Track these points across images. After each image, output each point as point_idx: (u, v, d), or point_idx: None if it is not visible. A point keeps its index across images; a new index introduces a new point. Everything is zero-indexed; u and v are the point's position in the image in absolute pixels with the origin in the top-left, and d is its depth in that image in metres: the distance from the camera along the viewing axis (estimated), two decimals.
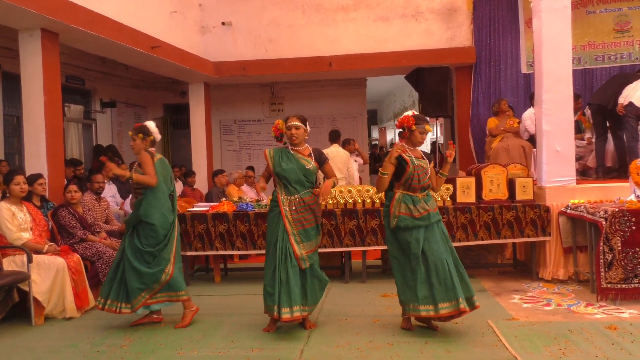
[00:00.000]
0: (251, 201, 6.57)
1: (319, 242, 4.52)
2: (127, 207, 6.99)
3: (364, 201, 6.04)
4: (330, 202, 6.03)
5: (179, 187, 8.90)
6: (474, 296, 4.17)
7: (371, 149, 14.85)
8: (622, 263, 4.89)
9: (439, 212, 4.32)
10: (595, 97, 7.42)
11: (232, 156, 11.54)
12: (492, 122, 7.90)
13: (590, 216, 5.21)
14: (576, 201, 5.73)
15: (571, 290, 5.52)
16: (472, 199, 6.00)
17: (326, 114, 11.35)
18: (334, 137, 7.89)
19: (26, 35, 5.78)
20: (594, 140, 7.55)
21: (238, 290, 5.97)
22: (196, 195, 8.32)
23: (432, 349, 3.90)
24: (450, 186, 5.96)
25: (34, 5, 5.28)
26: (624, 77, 7.13)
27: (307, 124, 4.48)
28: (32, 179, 5.33)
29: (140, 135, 4.63)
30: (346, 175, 7.61)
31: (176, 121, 11.88)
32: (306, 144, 4.51)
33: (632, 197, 5.39)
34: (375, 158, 14.32)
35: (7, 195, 5.04)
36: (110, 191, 7.31)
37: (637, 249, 4.89)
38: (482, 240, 5.91)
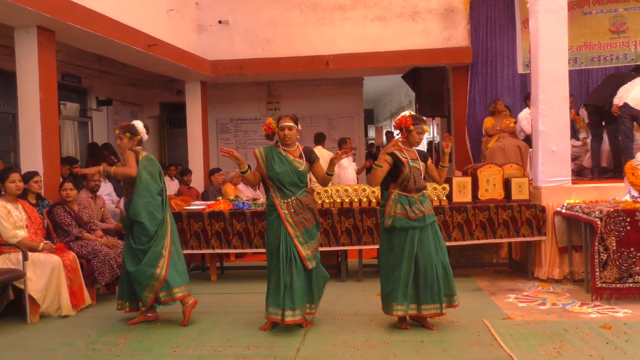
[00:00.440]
0: (247, 200, 6.57)
1: (319, 240, 4.53)
2: (123, 205, 6.97)
3: (360, 200, 6.05)
4: (326, 201, 6.04)
5: (175, 185, 8.89)
6: (454, 295, 4.27)
7: (368, 148, 14.85)
8: (617, 263, 4.91)
9: (434, 213, 4.35)
10: (592, 97, 7.44)
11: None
12: (488, 122, 7.92)
13: (585, 216, 5.23)
14: (571, 201, 5.75)
15: (566, 289, 5.54)
16: (468, 198, 6.01)
17: (323, 113, 11.35)
18: (319, 139, 8.50)
19: (22, 32, 5.75)
20: (588, 140, 7.58)
21: (234, 289, 5.97)
22: (192, 193, 8.31)
23: (427, 347, 3.91)
24: (447, 185, 5.98)
25: (30, 3, 5.26)
26: (620, 76, 7.15)
27: (299, 123, 4.44)
28: (28, 177, 5.31)
29: (128, 134, 4.64)
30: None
31: (172, 120, 11.85)
32: (297, 144, 4.47)
33: (627, 197, 5.42)
34: (373, 157, 14.32)
35: (2, 192, 5.02)
36: (106, 189, 7.30)
37: (632, 249, 4.91)
38: (478, 239, 5.93)
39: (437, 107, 9.02)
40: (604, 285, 4.94)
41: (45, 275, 4.82)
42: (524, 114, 7.49)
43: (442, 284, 4.20)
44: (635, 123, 6.71)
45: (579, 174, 7.45)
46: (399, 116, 4.36)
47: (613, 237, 4.92)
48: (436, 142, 11.81)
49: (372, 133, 19.85)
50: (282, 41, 9.42)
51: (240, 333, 4.33)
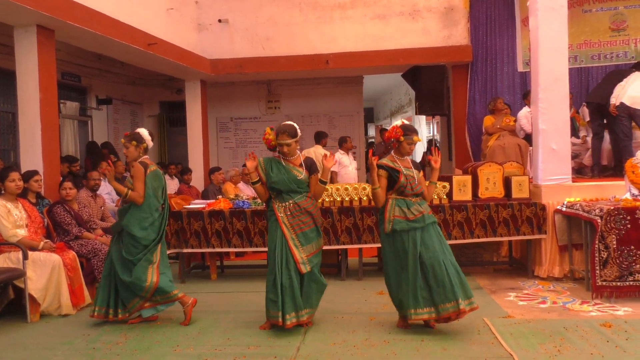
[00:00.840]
0: (247, 199, 6.57)
1: (321, 245, 4.46)
2: (119, 209, 6.97)
3: (360, 199, 6.05)
4: (326, 199, 6.03)
5: (175, 184, 8.90)
6: (472, 297, 4.15)
7: (368, 147, 14.84)
8: (617, 261, 4.91)
9: (433, 215, 4.33)
10: (593, 95, 7.44)
11: (228, 154, 11.52)
12: (488, 121, 7.91)
13: (585, 214, 5.23)
14: (572, 199, 5.75)
15: (566, 288, 5.54)
16: (468, 197, 6.01)
17: (323, 111, 11.35)
18: (319, 138, 8.55)
19: (22, 31, 5.75)
20: (588, 138, 7.58)
21: (234, 288, 5.97)
22: (192, 192, 8.31)
23: (428, 346, 3.91)
24: (447, 184, 5.98)
25: (29, 2, 5.25)
26: (621, 73, 7.13)
27: (298, 133, 4.38)
28: (28, 176, 5.31)
29: (134, 142, 4.61)
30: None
31: (172, 118, 11.85)
32: (298, 153, 4.46)
33: (628, 196, 5.42)
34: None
35: (2, 192, 5.02)
36: (106, 188, 7.30)
37: (632, 247, 4.91)
38: (478, 238, 5.93)
39: (437, 106, 9.01)
40: (604, 283, 4.94)
41: (46, 274, 4.81)
42: (524, 113, 7.48)
43: (456, 282, 4.06)
44: (633, 122, 6.72)
45: (579, 172, 7.45)
46: (390, 127, 4.36)
47: (613, 235, 4.91)
48: (437, 140, 11.81)
49: (372, 131, 19.83)
50: (282, 40, 9.42)
51: (241, 332, 4.33)
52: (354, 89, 11.36)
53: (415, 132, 4.33)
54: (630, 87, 6.60)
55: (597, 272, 4.94)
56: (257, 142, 11.29)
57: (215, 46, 9.45)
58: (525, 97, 7.63)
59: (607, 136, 7.28)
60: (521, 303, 5.04)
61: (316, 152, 7.96)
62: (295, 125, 4.41)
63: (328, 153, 4.49)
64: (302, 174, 4.34)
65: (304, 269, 4.26)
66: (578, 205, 5.47)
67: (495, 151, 7.43)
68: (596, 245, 4.95)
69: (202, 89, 9.72)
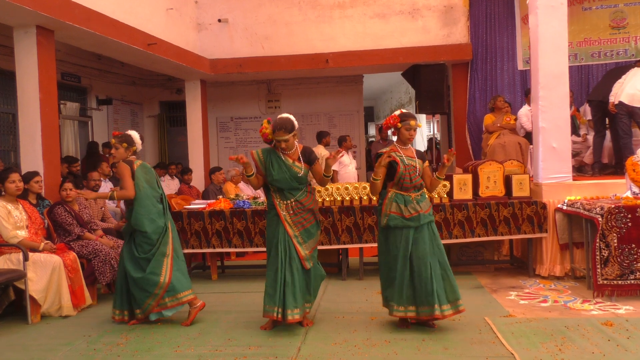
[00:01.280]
0: (248, 198, 6.57)
1: (319, 238, 4.51)
2: (126, 213, 6.96)
3: (360, 198, 6.04)
4: (327, 199, 6.03)
5: (175, 184, 8.89)
6: (459, 300, 4.18)
7: (368, 145, 14.83)
8: (618, 259, 4.91)
9: (431, 213, 4.29)
10: (594, 93, 7.43)
11: (229, 153, 11.52)
12: (488, 119, 7.91)
13: (586, 213, 5.22)
14: (572, 198, 5.74)
15: (567, 286, 5.53)
16: (468, 195, 6.00)
17: (323, 110, 11.34)
18: (320, 138, 8.65)
19: (21, 32, 5.75)
20: (589, 136, 7.57)
21: (235, 288, 5.97)
22: (193, 192, 8.30)
23: (429, 345, 3.90)
24: (447, 183, 5.97)
25: (29, 3, 5.25)
26: (621, 70, 7.12)
27: (295, 126, 4.30)
28: (28, 177, 5.31)
29: (125, 144, 4.61)
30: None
31: (172, 118, 11.85)
32: (296, 145, 4.39)
33: (628, 194, 5.41)
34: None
35: (3, 193, 5.01)
36: (106, 188, 7.28)
37: (633, 246, 4.90)
38: (479, 237, 5.92)
39: (437, 105, 9.00)
40: (605, 282, 4.94)
41: (46, 275, 4.81)
42: (524, 111, 7.47)
43: (439, 285, 4.10)
44: (633, 120, 6.71)
45: (579, 170, 7.44)
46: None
47: (614, 234, 4.91)
48: (437, 139, 11.80)
49: (372, 130, 19.82)
50: (282, 39, 9.42)
51: (241, 332, 4.32)
52: (354, 88, 11.35)
53: (412, 117, 4.29)
54: (627, 85, 6.59)
55: (598, 270, 4.93)
56: (257, 141, 11.29)
57: (214, 46, 9.45)
58: (527, 95, 7.62)
59: (608, 134, 7.27)
60: (522, 302, 5.03)
61: (318, 152, 7.97)
62: (291, 118, 4.31)
63: (333, 153, 4.43)
64: (302, 169, 4.32)
65: (308, 265, 4.30)
66: (579, 203, 5.46)
67: (495, 150, 7.43)
68: (597, 244, 4.94)
69: (202, 89, 9.72)
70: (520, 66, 8.97)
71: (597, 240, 4.94)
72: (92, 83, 9.97)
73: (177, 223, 5.96)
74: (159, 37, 7.69)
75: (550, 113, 6.01)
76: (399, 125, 4.24)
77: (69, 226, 5.36)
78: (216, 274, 6.47)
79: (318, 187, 5.78)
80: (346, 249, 6.17)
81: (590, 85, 8.38)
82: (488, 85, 9.19)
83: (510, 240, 6.48)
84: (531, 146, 6.83)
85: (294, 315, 4.20)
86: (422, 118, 13.72)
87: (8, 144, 8.00)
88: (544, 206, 5.89)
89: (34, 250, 4.90)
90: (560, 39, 6.01)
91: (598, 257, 4.93)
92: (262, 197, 6.66)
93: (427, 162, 4.39)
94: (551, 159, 6.03)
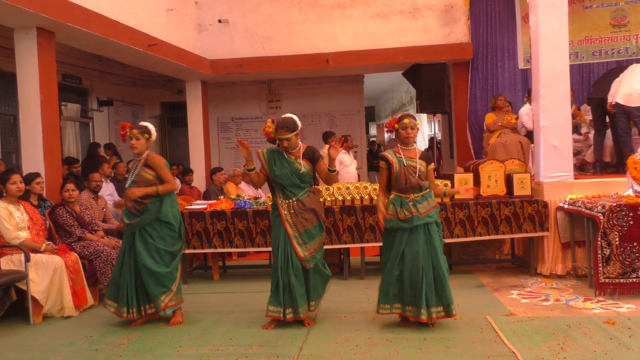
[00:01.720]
0: (249, 199, 6.57)
1: (323, 239, 4.51)
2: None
3: (362, 198, 6.04)
4: (328, 199, 6.03)
5: (176, 185, 8.89)
6: (451, 304, 4.18)
7: (369, 145, 14.84)
8: (620, 258, 4.90)
9: (430, 215, 4.22)
10: (595, 91, 7.42)
11: (230, 154, 11.53)
12: (489, 118, 7.90)
13: (588, 211, 5.22)
14: (574, 196, 5.73)
15: (569, 285, 5.53)
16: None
17: (324, 110, 11.35)
18: (326, 138, 8.65)
19: (22, 34, 5.75)
20: (590, 135, 7.56)
21: (237, 288, 5.97)
22: (194, 193, 8.30)
23: (430, 345, 3.90)
24: (449, 182, 5.97)
25: (29, 4, 5.25)
26: (621, 69, 7.10)
27: (297, 126, 4.34)
28: (30, 178, 5.32)
29: (146, 135, 4.60)
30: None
31: (173, 119, 11.85)
32: (299, 145, 4.42)
33: (630, 192, 5.40)
34: (373, 155, 14.31)
35: (4, 194, 5.02)
36: (107, 189, 7.30)
37: (635, 244, 4.89)
38: (481, 236, 5.92)
39: (438, 104, 9.00)
40: (607, 280, 4.93)
41: (48, 276, 4.82)
42: (525, 110, 7.46)
43: (429, 288, 4.12)
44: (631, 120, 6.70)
45: (581, 168, 7.43)
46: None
47: (616, 232, 4.90)
48: (438, 138, 11.79)
49: (373, 130, 19.83)
50: (282, 39, 9.41)
51: (243, 332, 4.32)
52: (354, 87, 11.35)
53: (407, 116, 4.32)
54: (624, 85, 6.57)
55: (600, 269, 4.92)
56: (258, 142, 11.27)
57: (215, 46, 9.45)
58: (529, 93, 7.61)
59: (609, 132, 7.26)
60: (524, 301, 5.03)
61: (324, 152, 8.04)
62: (294, 118, 4.35)
63: (332, 142, 4.43)
64: (303, 166, 4.34)
65: (308, 265, 4.32)
66: (580, 202, 5.45)
67: (496, 149, 7.42)
68: (599, 242, 4.93)
69: (203, 90, 9.72)
70: (521, 65, 8.96)
71: (599, 239, 4.93)
72: (93, 84, 9.98)
73: None
74: (159, 38, 7.69)
75: (551, 112, 6.00)
76: (396, 126, 4.31)
77: (69, 227, 5.36)
78: (218, 274, 6.47)
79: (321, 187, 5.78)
80: (347, 249, 6.17)
81: (591, 84, 8.36)
82: (489, 84, 9.18)
83: (512, 239, 6.47)
84: (532, 145, 6.83)
85: (292, 314, 4.29)
86: (423, 118, 13.73)
87: (9, 145, 8.01)
88: (545, 205, 5.89)
89: (36, 251, 4.91)
90: (561, 38, 6.00)
91: (600, 256, 4.93)
92: (263, 198, 6.67)
93: (432, 164, 4.38)
94: (552, 157, 6.02)
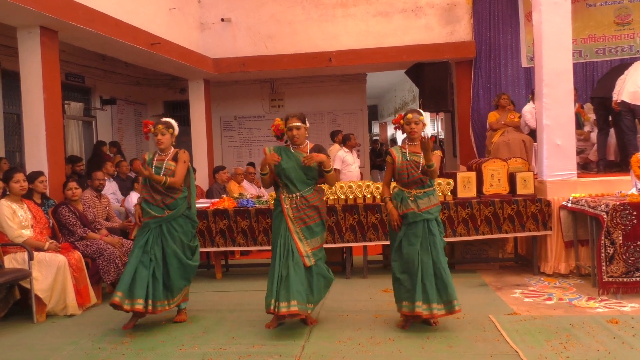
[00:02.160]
0: (252, 197, 6.57)
1: (324, 239, 4.49)
2: (128, 204, 6.99)
3: (364, 196, 6.04)
4: (330, 197, 6.03)
5: None
6: (454, 300, 4.13)
7: (372, 144, 14.83)
8: (624, 257, 4.88)
9: (430, 212, 4.20)
10: (597, 90, 7.39)
11: (232, 152, 11.54)
12: (492, 117, 7.88)
13: (591, 210, 5.20)
14: (577, 195, 5.72)
15: (572, 284, 5.51)
16: (473, 193, 5.99)
17: (326, 109, 11.35)
18: (332, 137, 8.86)
19: (25, 33, 5.77)
20: (592, 134, 7.53)
21: (239, 287, 5.98)
22: (197, 191, 8.30)
23: (433, 344, 3.90)
24: (451, 181, 5.96)
25: (32, 3, 5.26)
26: (625, 67, 7.07)
27: (306, 121, 4.46)
28: (33, 177, 5.33)
29: (171, 130, 4.73)
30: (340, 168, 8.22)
31: (176, 118, 11.61)
32: (307, 142, 4.48)
33: (634, 191, 5.38)
34: (376, 153, 14.30)
35: (7, 193, 5.03)
36: (110, 188, 7.32)
37: (639, 243, 4.87)
38: (483, 234, 5.91)
39: (441, 103, 8.98)
40: (610, 279, 4.92)
41: (51, 274, 4.83)
42: (529, 108, 7.44)
43: (430, 284, 4.09)
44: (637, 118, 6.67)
45: (584, 167, 7.41)
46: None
47: (619, 231, 4.88)
48: (441, 137, 11.78)
49: (376, 129, 19.81)
50: (285, 38, 9.41)
51: (245, 331, 4.33)
52: (357, 86, 11.35)
53: (412, 111, 4.32)
54: (629, 83, 6.54)
55: (603, 268, 4.91)
56: (261, 140, 11.30)
57: (218, 45, 9.45)
58: (532, 92, 7.59)
59: (612, 131, 7.24)
60: (527, 300, 5.02)
61: (332, 151, 8.31)
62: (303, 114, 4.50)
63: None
64: None
65: (308, 262, 4.25)
66: (583, 200, 5.44)
67: (499, 147, 7.40)
68: (602, 241, 4.92)
69: (206, 88, 9.73)
70: (524, 63, 8.94)
71: (602, 238, 4.92)
72: (96, 83, 10.00)
73: None
74: (162, 37, 7.70)
75: (554, 110, 5.99)
76: (402, 122, 4.35)
77: (72, 226, 5.37)
78: (220, 273, 6.48)
79: (323, 186, 5.76)
80: (350, 248, 6.17)
81: (595, 82, 8.34)
82: (492, 82, 9.16)
83: (515, 238, 6.46)
84: (535, 144, 6.81)
85: (287, 307, 4.06)
86: (426, 116, 13.70)
87: (13, 144, 8.03)
88: (548, 204, 5.87)
89: (39, 249, 4.92)
90: (564, 36, 5.98)
91: (603, 255, 4.91)
92: (266, 196, 6.67)
93: (438, 151, 4.41)
94: (555, 156, 6.01)
